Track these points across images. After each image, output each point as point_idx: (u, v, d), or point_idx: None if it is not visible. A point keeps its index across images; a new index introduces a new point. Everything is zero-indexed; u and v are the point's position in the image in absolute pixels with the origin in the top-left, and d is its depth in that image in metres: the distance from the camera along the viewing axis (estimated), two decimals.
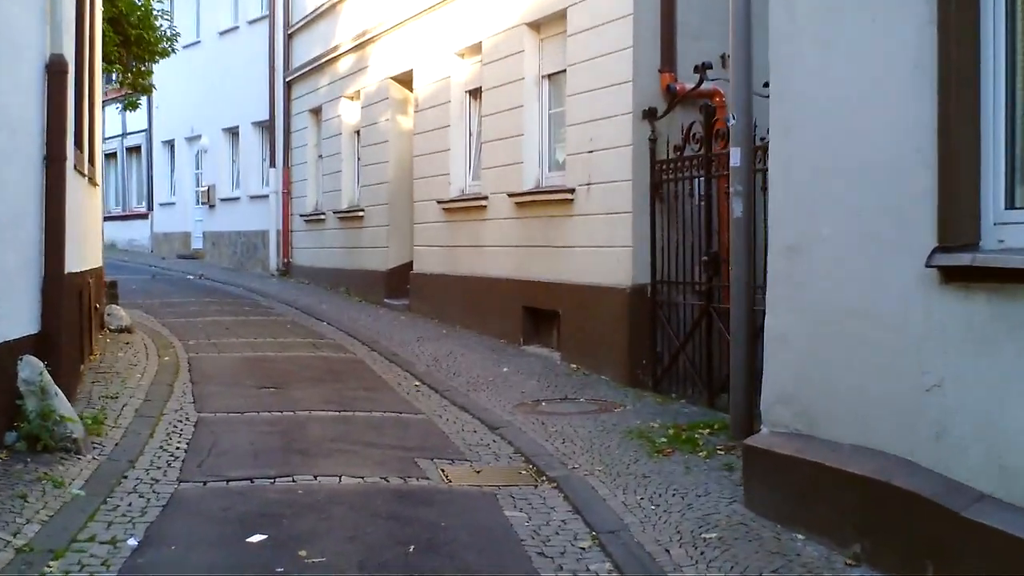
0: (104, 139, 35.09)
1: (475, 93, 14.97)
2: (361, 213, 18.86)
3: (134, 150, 33.98)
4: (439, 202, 15.44)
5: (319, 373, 11.66)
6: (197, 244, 28.88)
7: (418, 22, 16.42)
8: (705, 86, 10.50)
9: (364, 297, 18.47)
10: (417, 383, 11.31)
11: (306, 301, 18.23)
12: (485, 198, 14.08)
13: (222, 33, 27.11)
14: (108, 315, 13.78)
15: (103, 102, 30.09)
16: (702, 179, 10.22)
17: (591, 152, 11.60)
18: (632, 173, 10.93)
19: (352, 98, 19.77)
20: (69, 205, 9.07)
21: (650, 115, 10.86)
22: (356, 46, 19.07)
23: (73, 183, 9.43)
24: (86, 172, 10.71)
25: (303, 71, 22.17)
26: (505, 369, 11.87)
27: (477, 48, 14.52)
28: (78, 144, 10.03)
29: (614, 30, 11.17)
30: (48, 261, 8.08)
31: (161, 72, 30.12)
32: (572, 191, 11.94)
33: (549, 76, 13.05)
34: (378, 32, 17.95)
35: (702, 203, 10.30)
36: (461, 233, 14.92)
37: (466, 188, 15.19)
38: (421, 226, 16.31)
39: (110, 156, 35.80)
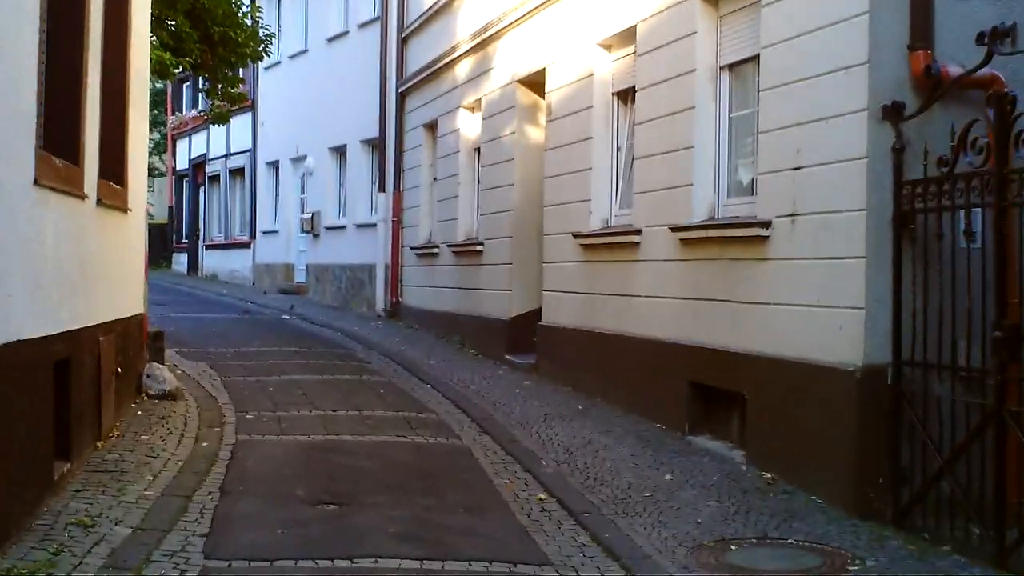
0: (208, 160, 33.02)
1: (625, 95, 11.53)
2: (480, 247, 15.52)
3: (237, 172, 31.23)
4: (576, 236, 11.98)
5: (406, 475, 8.34)
6: (300, 277, 25.94)
7: (552, 9, 13.05)
8: (983, 70, 6.98)
9: (481, 350, 15.09)
10: (542, 495, 7.91)
11: (410, 354, 14.92)
12: (638, 232, 10.57)
13: (330, 39, 24.04)
14: (147, 377, 10.71)
15: (207, 119, 27.63)
16: (988, 209, 6.65)
17: (797, 169, 8.07)
18: (866, 199, 7.38)
19: (472, 108, 16.48)
20: (22, 237, 6.00)
21: (895, 113, 7.35)
22: (477, 44, 15.76)
23: (37, 205, 6.32)
24: (84, 192, 7.56)
25: (418, 79, 18.95)
26: (668, 476, 8.35)
27: (629, 35, 11.06)
28: (64, 152, 6.93)
29: None
30: None
31: (266, 84, 27.77)
32: (767, 225, 8.40)
33: (730, 66, 9.53)
34: (504, 26, 14.63)
35: (985, 246, 6.73)
36: (605, 277, 11.43)
37: (612, 219, 11.70)
38: (552, 266, 12.87)
39: (213, 179, 33.31)
